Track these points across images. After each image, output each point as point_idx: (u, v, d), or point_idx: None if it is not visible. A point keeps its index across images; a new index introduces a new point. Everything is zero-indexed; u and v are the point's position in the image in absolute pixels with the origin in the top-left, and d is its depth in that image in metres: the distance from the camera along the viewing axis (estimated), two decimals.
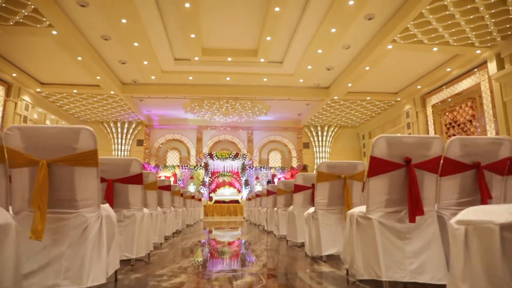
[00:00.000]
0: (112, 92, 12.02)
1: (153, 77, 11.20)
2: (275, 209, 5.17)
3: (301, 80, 11.60)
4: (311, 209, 3.41)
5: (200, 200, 9.26)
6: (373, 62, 9.75)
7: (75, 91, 11.96)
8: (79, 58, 9.30)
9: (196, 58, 9.98)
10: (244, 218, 11.98)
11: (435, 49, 8.94)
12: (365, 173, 2.83)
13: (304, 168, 15.73)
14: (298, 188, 4.10)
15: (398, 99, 13.22)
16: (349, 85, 11.53)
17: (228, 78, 11.40)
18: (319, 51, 9.27)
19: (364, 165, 3.15)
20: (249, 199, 8.10)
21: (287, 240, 4.60)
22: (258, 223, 7.10)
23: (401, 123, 13.70)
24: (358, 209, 2.37)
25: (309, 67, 10.45)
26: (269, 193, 5.72)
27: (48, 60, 9.76)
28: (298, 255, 3.65)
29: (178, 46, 9.63)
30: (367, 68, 10.18)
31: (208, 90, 12.32)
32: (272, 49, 9.65)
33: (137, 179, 3.03)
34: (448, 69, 10.32)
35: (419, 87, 11.88)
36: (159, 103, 13.88)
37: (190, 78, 11.29)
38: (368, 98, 13.12)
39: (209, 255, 3.91)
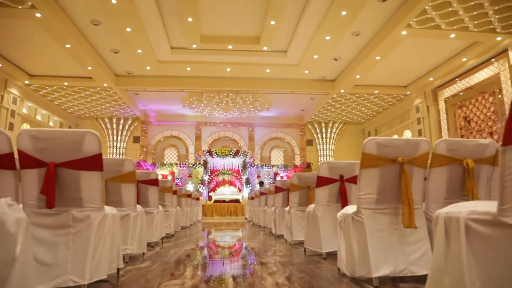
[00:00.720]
0: (105, 85, 11.32)
1: (148, 68, 10.51)
2: (287, 208, 4.44)
3: (306, 72, 10.90)
4: (350, 209, 2.50)
5: (198, 199, 8.55)
6: (384, 51, 9.06)
7: (66, 83, 11.26)
8: (68, 46, 8.60)
9: (194, 46, 9.29)
10: (245, 218, 11.29)
11: (452, 35, 8.25)
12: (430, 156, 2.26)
13: (308, 166, 15.04)
14: (322, 181, 3.21)
15: (408, 92, 12.53)
16: (357, 77, 10.85)
17: (228, 69, 10.71)
18: (327, 37, 8.58)
19: (429, 145, 2.40)
20: (251, 198, 7.40)
21: (305, 248, 3.79)
22: (263, 224, 6.39)
23: (410, 119, 13.02)
24: (446, 209, 1.55)
25: (316, 56, 9.76)
26: (278, 189, 4.98)
27: (36, 49, 9.07)
28: (328, 273, 2.65)
29: (174, 33, 8.94)
30: (378, 57, 9.49)
31: (207, 83, 11.63)
32: (276, 36, 8.96)
33: (91, 162, 2.06)
34: (464, 59, 9.63)
35: (431, 79, 11.19)
36: (155, 97, 13.18)
37: (188, 68, 10.59)
38: (376, 91, 12.44)
39: (204, 271, 2.85)
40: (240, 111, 14.29)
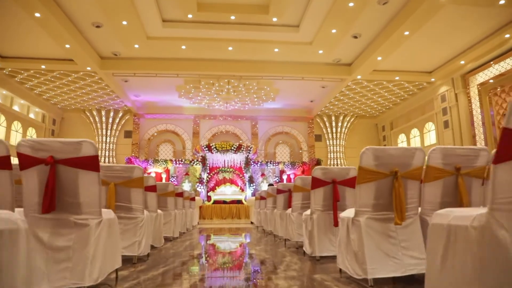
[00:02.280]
0: (88, 68, 9.86)
1: (136, 46, 9.04)
2: (308, 213, 3.30)
3: (320, 52, 9.45)
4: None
5: (193, 199, 7.03)
6: (416, 23, 7.62)
7: (43, 66, 9.80)
8: (37, 15, 7.14)
9: (190, 16, 7.83)
10: (251, 223, 9.79)
11: (502, 1, 6.82)
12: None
13: (318, 163, 13.58)
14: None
15: (432, 79, 11.10)
16: (379, 58, 9.40)
17: (230, 48, 9.24)
18: (350, 3, 7.12)
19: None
20: (261, 198, 5.91)
21: (340, 269, 2.67)
22: (278, 233, 4.75)
23: (434, 109, 11.58)
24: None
25: (333, 31, 8.30)
26: (297, 189, 3.61)
27: (3, 24, 7.61)
28: None
29: (166, 1, 7.48)
30: (406, 33, 8.04)
31: (205, 66, 10.16)
32: (289, 3, 7.50)
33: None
34: (507, 35, 8.19)
35: (462, 62, 9.74)
36: (147, 84, 11.71)
37: (183, 47, 9.13)
38: (396, 78, 11.00)
39: None
40: (243, 101, 12.84)
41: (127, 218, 3.14)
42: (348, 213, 2.55)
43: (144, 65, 10.02)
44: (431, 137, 12.10)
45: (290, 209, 4.08)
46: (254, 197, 8.22)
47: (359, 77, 10.71)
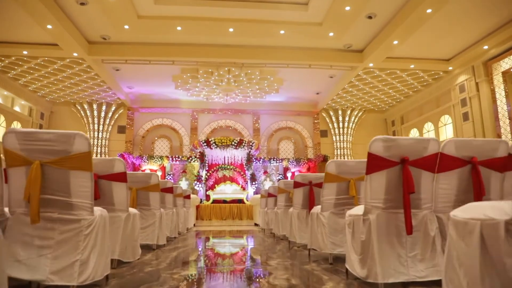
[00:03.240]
0: (75, 54, 8.97)
1: (126, 27, 8.14)
2: (358, 212, 2.28)
3: (331, 34, 8.56)
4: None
5: (188, 197, 6.07)
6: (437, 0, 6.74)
7: (25, 52, 8.91)
8: None
9: None
10: (255, 224, 8.57)
11: None
12: None
13: (324, 160, 12.70)
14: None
15: (450, 68, 10.23)
16: (395, 42, 8.52)
17: (231, 29, 8.35)
18: None
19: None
20: (268, 195, 4.97)
21: None
22: (296, 239, 3.78)
23: (452, 101, 10.69)
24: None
25: (347, 8, 7.41)
26: (330, 178, 2.69)
27: None
28: None
29: None
30: (429, 10, 7.15)
31: (203, 51, 9.27)
32: None
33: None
34: None
35: (485, 47, 8.86)
36: (141, 73, 10.82)
37: (179, 28, 8.23)
38: (411, 66, 10.12)
39: None
40: (244, 93, 11.95)
41: (63, 221, 2.00)
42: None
43: (136, 50, 9.13)
44: (447, 131, 11.22)
45: (316, 207, 3.11)
46: (259, 195, 7.28)
47: (371, 65, 9.83)
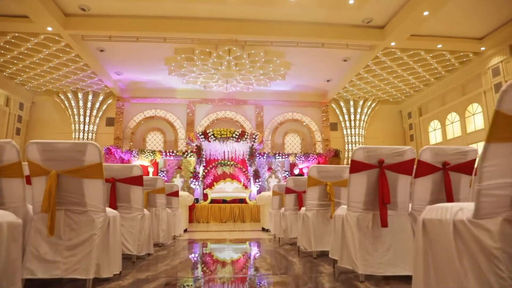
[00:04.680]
0: (49, 29, 7.66)
1: None
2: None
3: (351, 1, 7.24)
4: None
5: (175, 195, 4.58)
6: None
7: None
8: None
9: None
10: (265, 230, 6.52)
11: None
12: None
13: (336, 155, 11.39)
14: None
15: (482, 48, 8.95)
16: (425, 13, 7.23)
17: None
18: None
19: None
20: (287, 191, 3.60)
21: None
22: (348, 263, 2.33)
23: (482, 87, 9.40)
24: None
25: None
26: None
27: None
28: None
29: None
30: None
31: (200, 26, 7.96)
32: None
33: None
34: None
35: None
36: (129, 55, 9.52)
37: None
38: (438, 46, 8.83)
39: None
40: (246, 80, 10.66)
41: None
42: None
43: (121, 24, 7.81)
44: (476, 122, 9.92)
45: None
46: (268, 193, 5.89)
47: (393, 44, 8.54)
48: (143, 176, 2.77)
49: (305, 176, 3.59)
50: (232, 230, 7.14)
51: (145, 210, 2.77)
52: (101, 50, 9.12)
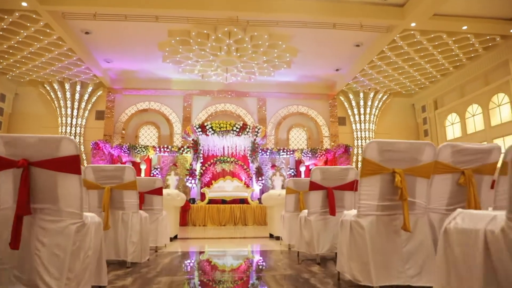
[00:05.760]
0: (24, 4, 6.71)
1: None
2: None
3: None
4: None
5: (159, 192, 3.56)
6: None
7: None
8: None
9: None
10: (275, 237, 5.31)
11: None
12: None
13: (346, 151, 10.44)
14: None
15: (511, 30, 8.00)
16: None
17: None
18: None
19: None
20: (312, 187, 2.61)
21: None
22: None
23: (510, 74, 8.46)
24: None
25: None
26: None
27: None
28: None
29: None
30: None
31: (195, 2, 7.01)
32: None
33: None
34: None
35: None
36: (118, 39, 8.59)
37: None
38: (464, 28, 7.89)
39: None
40: (248, 69, 9.72)
41: None
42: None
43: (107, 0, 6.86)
44: (502, 113, 8.98)
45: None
46: (277, 191, 4.80)
47: (413, 24, 7.60)
48: (106, 165, 1.83)
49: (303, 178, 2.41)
50: (233, 237, 6.07)
51: (89, 215, 1.75)
52: (87, 32, 8.17)
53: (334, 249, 2.92)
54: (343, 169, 2.93)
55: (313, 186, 2.84)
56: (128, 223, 2.56)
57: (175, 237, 5.37)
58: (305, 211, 3.13)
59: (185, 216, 8.31)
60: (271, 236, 5.52)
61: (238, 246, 4.94)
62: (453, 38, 8.33)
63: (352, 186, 2.99)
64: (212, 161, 9.93)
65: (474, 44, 8.61)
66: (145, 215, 2.86)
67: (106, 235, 2.39)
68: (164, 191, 4.14)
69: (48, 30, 7.69)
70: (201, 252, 4.32)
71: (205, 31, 7.87)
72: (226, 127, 9.33)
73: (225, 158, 9.94)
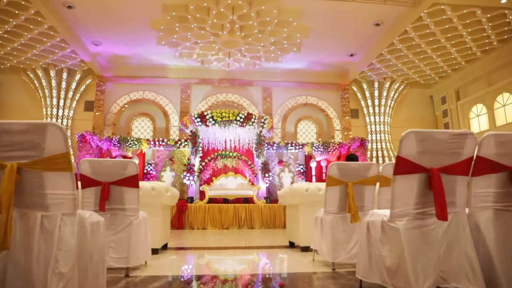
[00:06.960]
0: None
1: None
2: None
3: None
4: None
5: (133, 183, 2.26)
6: None
7: None
8: None
9: None
10: (292, 245, 4.36)
11: None
12: None
13: (362, 145, 9.40)
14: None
15: None
16: None
17: None
18: None
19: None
20: (398, 169, 1.67)
21: None
22: None
23: None
24: None
25: None
26: None
27: None
28: None
29: None
30: None
31: None
32: None
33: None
34: None
35: None
36: (106, 15, 7.55)
37: None
38: (502, 1, 6.86)
39: None
40: (254, 53, 8.70)
41: None
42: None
43: None
44: None
45: None
46: (300, 184, 3.58)
47: None
48: None
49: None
50: (240, 246, 4.78)
51: None
52: (69, 7, 7.12)
53: (441, 283, 1.79)
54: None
55: (398, 169, 1.71)
56: (53, 234, 1.40)
57: (165, 247, 4.22)
58: (379, 212, 1.95)
59: (181, 217, 7.27)
60: (291, 245, 4.35)
61: (250, 264, 3.53)
62: (488, 15, 7.31)
63: (467, 168, 1.95)
64: (212, 155, 8.88)
65: (510, 22, 7.59)
66: (94, 220, 1.67)
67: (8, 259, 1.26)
68: (145, 183, 3.10)
69: (23, 2, 6.65)
70: (198, 278, 2.80)
71: (205, 4, 6.83)
72: (228, 116, 8.28)
73: (228, 152, 8.89)
